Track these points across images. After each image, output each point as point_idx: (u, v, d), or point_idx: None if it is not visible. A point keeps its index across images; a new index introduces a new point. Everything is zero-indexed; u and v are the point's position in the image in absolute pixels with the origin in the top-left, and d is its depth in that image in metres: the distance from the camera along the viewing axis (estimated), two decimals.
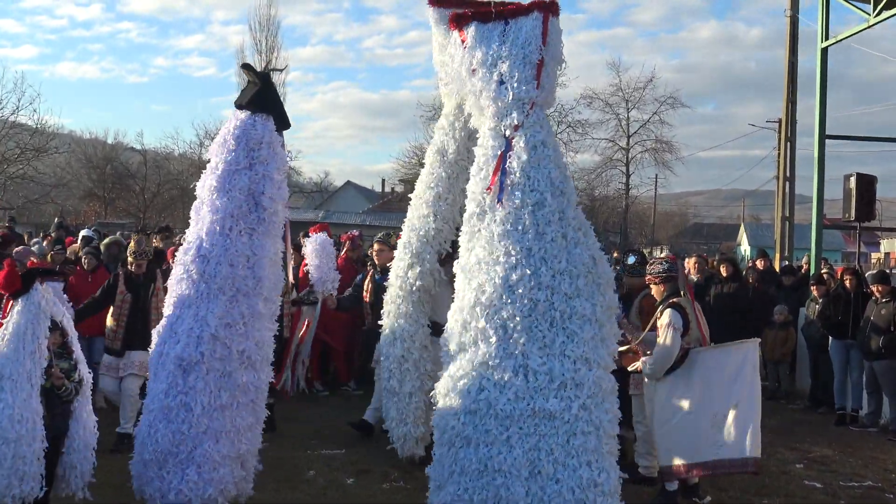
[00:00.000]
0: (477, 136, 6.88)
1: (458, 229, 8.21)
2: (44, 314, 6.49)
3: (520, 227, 6.26)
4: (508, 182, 6.34)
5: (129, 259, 9.16)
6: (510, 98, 6.47)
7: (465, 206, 8.05)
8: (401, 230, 8.58)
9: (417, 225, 8.32)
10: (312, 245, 10.41)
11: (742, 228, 66.78)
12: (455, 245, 8.36)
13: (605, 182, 53.00)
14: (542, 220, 6.29)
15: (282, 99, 7.17)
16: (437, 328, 8.33)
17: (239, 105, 6.87)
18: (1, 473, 6.10)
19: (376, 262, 10.16)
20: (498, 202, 6.34)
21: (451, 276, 8.39)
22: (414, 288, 8.25)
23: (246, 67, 7.09)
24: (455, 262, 6.77)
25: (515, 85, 6.49)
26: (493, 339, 6.11)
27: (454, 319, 6.42)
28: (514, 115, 6.46)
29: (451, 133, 8.22)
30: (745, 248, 57.83)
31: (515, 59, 6.56)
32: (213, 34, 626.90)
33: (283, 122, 6.93)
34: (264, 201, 6.68)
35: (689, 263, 14.44)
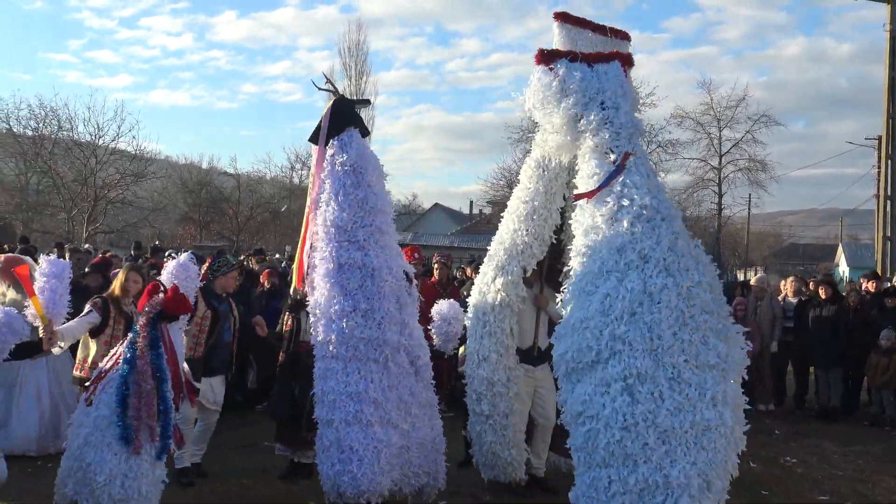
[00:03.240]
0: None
1: (552, 251, 8.16)
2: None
3: (654, 238, 6.26)
4: (635, 205, 6.41)
5: None
6: (622, 125, 6.73)
7: (559, 223, 7.98)
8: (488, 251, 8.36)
9: (506, 238, 8.04)
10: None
11: (840, 248, 64.83)
12: (542, 265, 8.22)
13: (697, 202, 52.05)
14: (671, 233, 6.34)
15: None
16: (520, 353, 8.15)
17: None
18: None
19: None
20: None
21: (537, 297, 8.27)
22: (497, 301, 7.92)
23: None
24: (567, 279, 6.62)
25: (625, 113, 6.78)
26: (640, 349, 6.02)
27: (574, 333, 6.31)
28: (626, 143, 6.70)
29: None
30: (843, 268, 56.14)
31: (615, 92, 6.86)
32: (298, 60, 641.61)
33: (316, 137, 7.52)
34: None
35: (787, 284, 14.17)
